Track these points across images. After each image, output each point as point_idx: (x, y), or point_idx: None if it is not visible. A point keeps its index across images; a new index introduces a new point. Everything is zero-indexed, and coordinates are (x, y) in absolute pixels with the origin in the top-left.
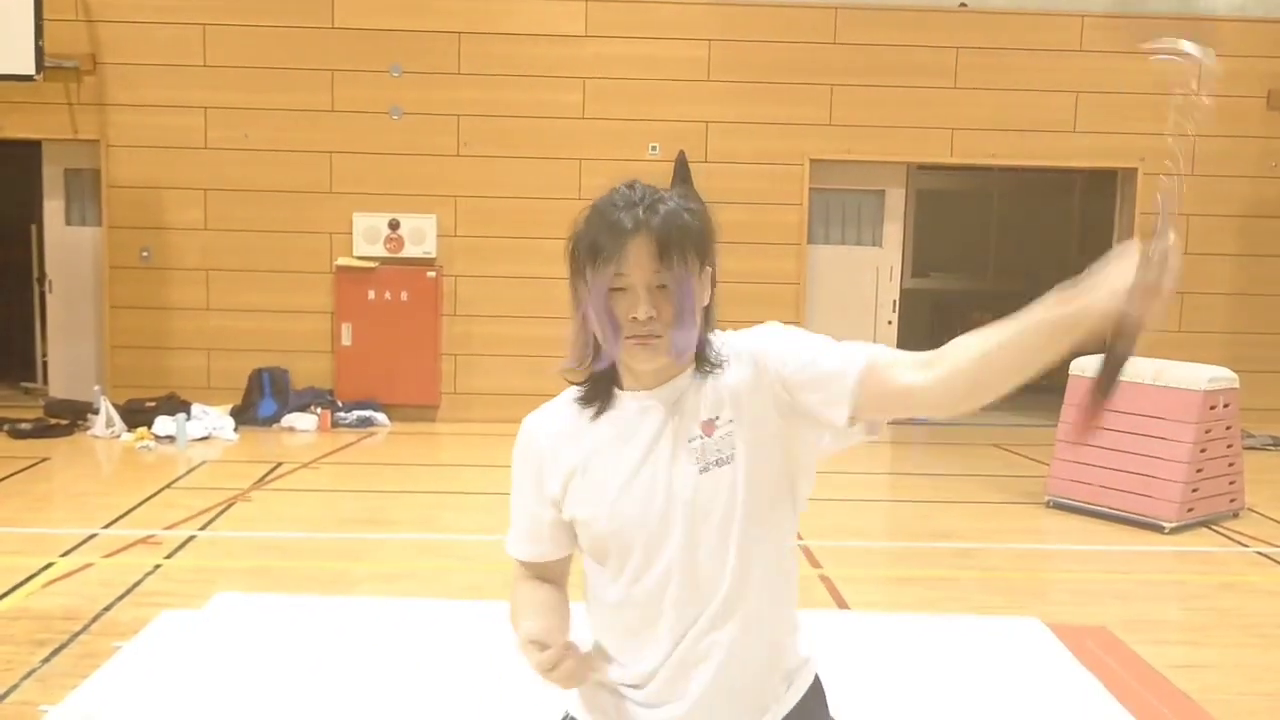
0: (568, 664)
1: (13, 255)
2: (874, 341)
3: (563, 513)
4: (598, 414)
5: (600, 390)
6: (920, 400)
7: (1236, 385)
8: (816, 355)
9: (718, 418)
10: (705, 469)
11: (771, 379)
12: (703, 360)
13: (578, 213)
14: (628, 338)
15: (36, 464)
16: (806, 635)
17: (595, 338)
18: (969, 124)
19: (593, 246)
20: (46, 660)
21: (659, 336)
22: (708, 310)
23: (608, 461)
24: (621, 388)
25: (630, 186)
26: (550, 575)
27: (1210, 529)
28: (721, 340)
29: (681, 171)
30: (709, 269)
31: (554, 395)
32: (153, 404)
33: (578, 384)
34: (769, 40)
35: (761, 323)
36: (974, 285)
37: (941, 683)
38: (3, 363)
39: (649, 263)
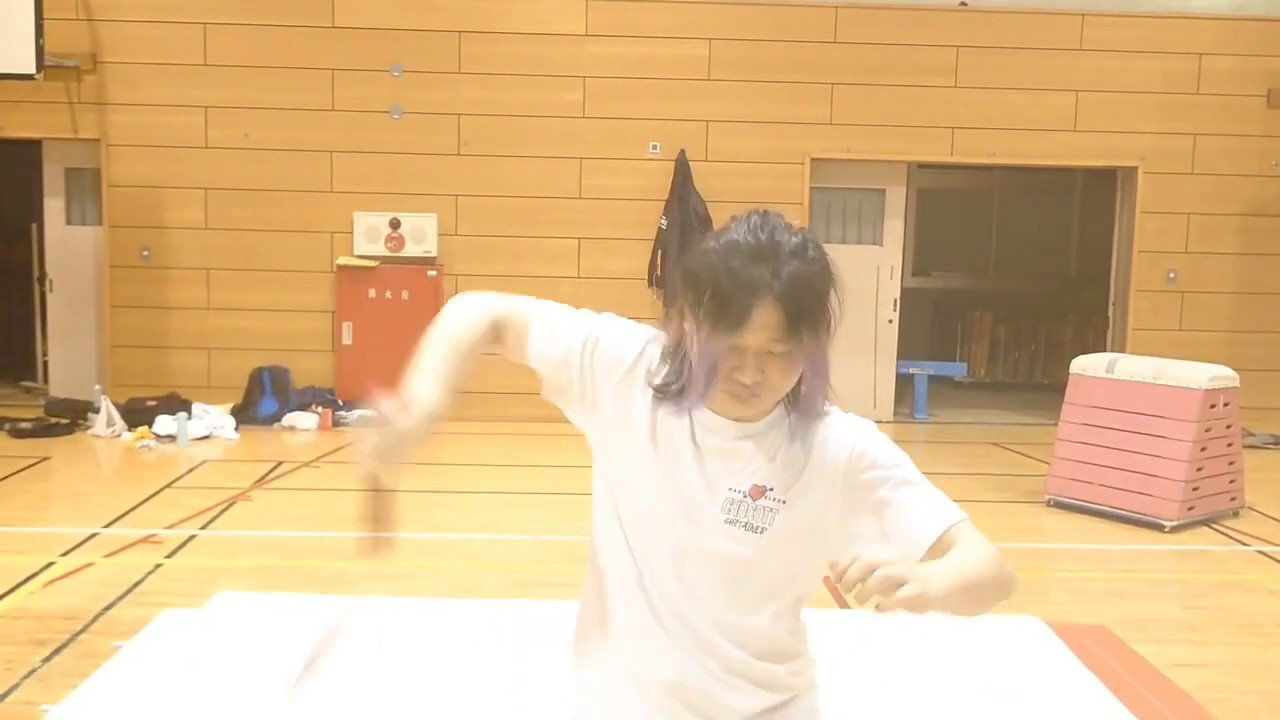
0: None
1: (13, 254)
2: (875, 342)
3: (591, 408)
4: (667, 407)
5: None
6: None
7: (1237, 384)
8: (909, 506)
9: (771, 489)
10: (731, 521)
11: (852, 490)
12: (795, 407)
13: (702, 244)
14: (724, 390)
15: (37, 463)
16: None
17: (689, 371)
18: (969, 123)
19: (717, 305)
20: (47, 660)
21: (757, 396)
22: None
23: (645, 444)
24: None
25: (762, 225)
26: (501, 340)
27: (1210, 527)
28: (827, 412)
29: (682, 171)
30: (831, 328)
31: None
32: (153, 403)
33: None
34: (769, 39)
35: None
36: (975, 284)
37: (941, 682)
38: (3, 362)
39: (770, 331)
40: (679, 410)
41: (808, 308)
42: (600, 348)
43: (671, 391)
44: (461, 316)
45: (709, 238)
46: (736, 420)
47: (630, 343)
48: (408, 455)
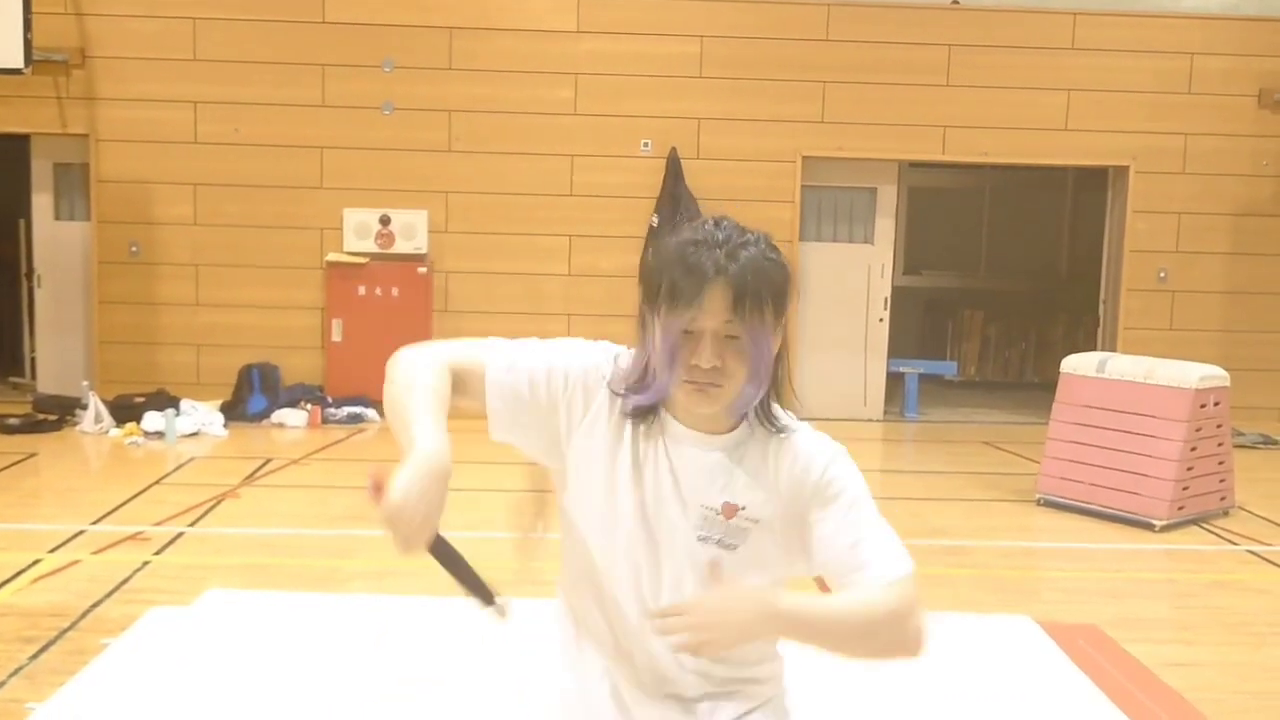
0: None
1: (1, 250)
2: (866, 340)
3: (561, 448)
4: (637, 422)
5: (648, 410)
6: None
7: (1227, 383)
8: (858, 540)
9: (744, 509)
10: (703, 539)
11: (806, 513)
12: (763, 419)
13: (660, 242)
14: (686, 381)
15: (24, 460)
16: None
17: (653, 369)
18: (961, 121)
19: (671, 289)
20: (34, 657)
21: (718, 386)
22: (775, 360)
23: (615, 463)
24: (669, 412)
25: (717, 224)
26: (457, 389)
27: (1201, 527)
28: (796, 428)
29: (674, 168)
30: (782, 321)
31: None
32: (142, 400)
33: (628, 394)
34: (761, 37)
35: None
36: (966, 283)
37: (932, 681)
38: None
39: (722, 312)
40: (645, 401)
41: (758, 291)
42: (568, 373)
43: (636, 390)
44: (426, 368)
45: (669, 236)
46: (707, 432)
47: (594, 363)
48: (435, 516)
